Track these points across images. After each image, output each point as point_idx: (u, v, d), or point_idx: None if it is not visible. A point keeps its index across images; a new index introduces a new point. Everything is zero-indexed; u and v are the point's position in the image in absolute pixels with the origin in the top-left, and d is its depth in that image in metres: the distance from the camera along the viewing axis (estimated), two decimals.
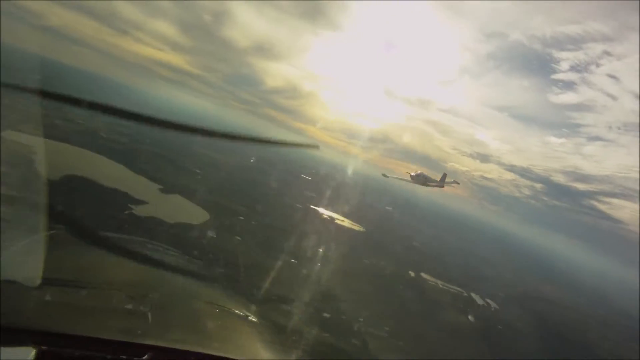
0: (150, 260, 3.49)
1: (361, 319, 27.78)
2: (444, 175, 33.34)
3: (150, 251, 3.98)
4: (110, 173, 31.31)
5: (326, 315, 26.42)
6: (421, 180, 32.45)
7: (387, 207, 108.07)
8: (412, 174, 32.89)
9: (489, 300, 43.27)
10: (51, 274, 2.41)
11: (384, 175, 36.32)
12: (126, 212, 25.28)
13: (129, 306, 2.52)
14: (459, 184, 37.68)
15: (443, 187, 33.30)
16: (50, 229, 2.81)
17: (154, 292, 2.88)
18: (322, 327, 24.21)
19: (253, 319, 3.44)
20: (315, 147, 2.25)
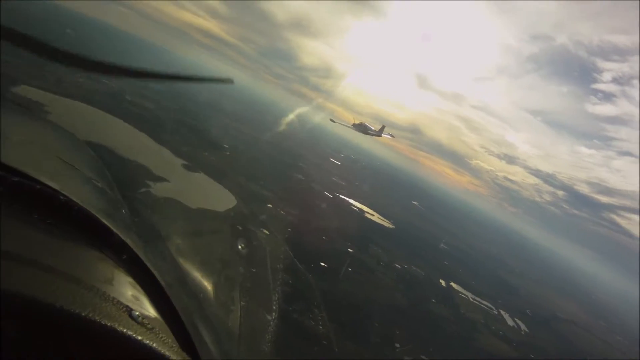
0: None
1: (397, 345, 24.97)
2: (383, 127, 35.60)
3: None
4: (131, 142, 28.08)
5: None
6: (362, 128, 34.70)
7: (413, 202, 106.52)
8: (355, 122, 35.22)
9: (518, 322, 43.26)
10: None
11: (331, 120, 38.29)
12: (142, 190, 21.88)
13: None
14: (393, 136, 41.58)
15: (380, 136, 35.66)
16: None
17: None
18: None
19: None
20: (229, 81, 1.92)
